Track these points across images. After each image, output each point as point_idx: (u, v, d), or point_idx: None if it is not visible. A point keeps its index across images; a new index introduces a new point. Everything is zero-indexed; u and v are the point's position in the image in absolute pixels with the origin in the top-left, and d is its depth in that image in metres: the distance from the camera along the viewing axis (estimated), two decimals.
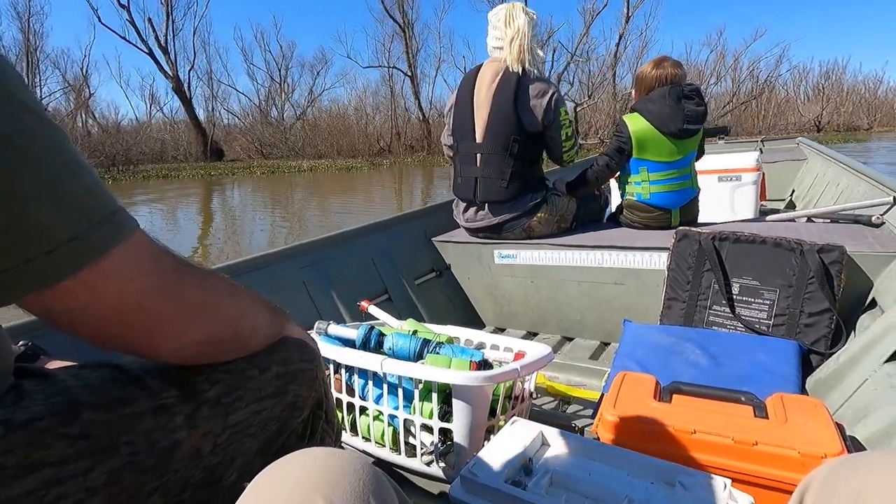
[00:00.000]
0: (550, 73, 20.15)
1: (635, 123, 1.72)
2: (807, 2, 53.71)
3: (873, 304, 1.24)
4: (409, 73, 21.77)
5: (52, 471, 0.37)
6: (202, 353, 0.48)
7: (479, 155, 1.73)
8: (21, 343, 0.66)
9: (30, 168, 0.32)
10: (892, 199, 1.58)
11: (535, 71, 1.71)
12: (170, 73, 21.00)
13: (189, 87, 22.49)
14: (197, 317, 0.45)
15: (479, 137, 1.72)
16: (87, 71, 22.54)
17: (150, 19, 20.42)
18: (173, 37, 21.20)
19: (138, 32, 20.31)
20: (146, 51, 20.60)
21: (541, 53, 1.75)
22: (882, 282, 1.25)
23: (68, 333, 0.38)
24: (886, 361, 1.02)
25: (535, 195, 1.73)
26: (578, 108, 16.53)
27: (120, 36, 20.54)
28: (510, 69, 1.68)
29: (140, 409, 0.43)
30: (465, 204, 1.81)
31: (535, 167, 1.78)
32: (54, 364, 0.63)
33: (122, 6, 18.99)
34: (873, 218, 1.49)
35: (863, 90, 26.08)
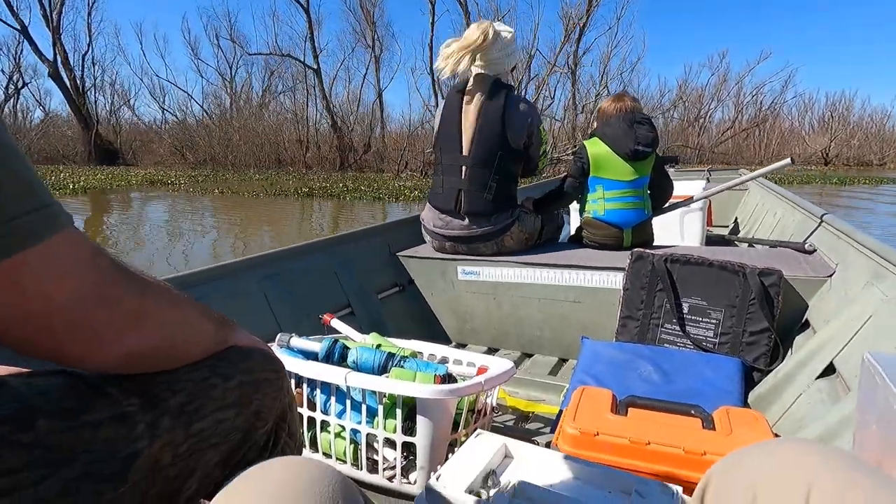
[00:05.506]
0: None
1: (593, 146, 1.87)
2: (814, 26, 53.24)
3: (807, 324, 1.34)
4: (315, 67, 17.51)
5: (3, 481, 0.35)
6: (134, 365, 0.44)
7: (464, 167, 1.76)
8: None
9: None
10: (819, 221, 1.76)
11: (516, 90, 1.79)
12: (48, 56, 17.69)
13: (83, 75, 19.64)
14: (133, 327, 0.41)
15: (465, 150, 1.76)
16: (20, 57, 20.29)
17: None
18: (59, 14, 17.79)
19: (9, 4, 16.81)
20: (17, 27, 17.35)
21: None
22: (814, 304, 1.36)
23: None
24: (818, 378, 1.11)
25: (512, 211, 1.79)
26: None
27: None
28: (497, 83, 1.75)
29: (100, 418, 0.41)
30: (439, 212, 1.82)
31: (514, 184, 1.84)
32: None
33: None
34: (806, 245, 1.62)
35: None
